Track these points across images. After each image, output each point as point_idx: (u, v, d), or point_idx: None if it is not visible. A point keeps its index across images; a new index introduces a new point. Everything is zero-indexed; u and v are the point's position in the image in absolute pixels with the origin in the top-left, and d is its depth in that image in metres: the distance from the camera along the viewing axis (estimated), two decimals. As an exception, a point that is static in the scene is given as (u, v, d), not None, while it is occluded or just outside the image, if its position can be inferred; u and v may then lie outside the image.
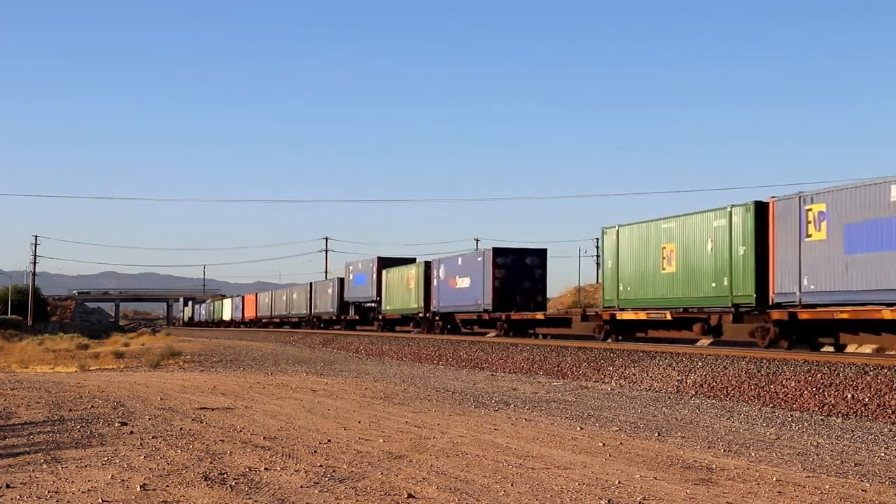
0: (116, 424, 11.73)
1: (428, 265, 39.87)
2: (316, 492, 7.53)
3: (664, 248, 23.79)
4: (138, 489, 7.57)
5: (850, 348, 22.03)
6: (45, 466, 8.60)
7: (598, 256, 73.56)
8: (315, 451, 9.59)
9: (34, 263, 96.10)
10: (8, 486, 7.66)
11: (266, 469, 8.54)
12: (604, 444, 10.37)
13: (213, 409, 13.67)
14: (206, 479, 8.00)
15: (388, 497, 7.35)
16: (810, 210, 19.27)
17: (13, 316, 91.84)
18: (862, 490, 7.86)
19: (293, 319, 66.19)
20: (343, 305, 53.37)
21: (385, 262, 46.43)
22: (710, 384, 17.20)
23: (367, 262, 48.60)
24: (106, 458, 9.07)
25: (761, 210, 20.73)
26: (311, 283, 61.23)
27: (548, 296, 38.34)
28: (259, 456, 9.27)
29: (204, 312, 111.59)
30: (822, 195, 19.10)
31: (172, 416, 12.79)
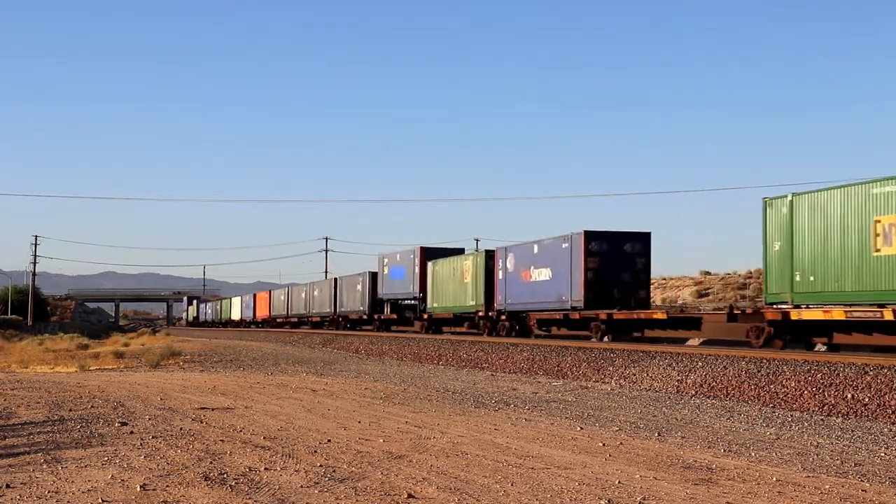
0: (116, 424, 11.73)
1: (490, 255, 34.37)
2: (316, 492, 7.53)
3: (879, 221, 17.86)
4: (138, 489, 7.57)
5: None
6: (45, 466, 8.60)
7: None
8: (315, 451, 9.59)
9: (34, 263, 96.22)
10: (8, 486, 7.66)
11: (266, 469, 8.54)
12: (604, 444, 10.37)
13: (213, 409, 13.67)
14: (206, 479, 8.00)
15: (388, 497, 7.35)
16: None
17: (13, 316, 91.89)
18: (862, 490, 7.86)
19: (314, 319, 60.26)
20: (375, 303, 47.62)
21: (430, 253, 40.85)
22: (710, 384, 17.20)
23: (407, 254, 42.87)
24: (106, 458, 9.07)
25: None
26: (335, 279, 55.73)
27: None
28: (259, 456, 9.27)
29: (210, 312, 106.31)
30: None
31: (172, 416, 12.79)
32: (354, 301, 51.16)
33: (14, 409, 13.56)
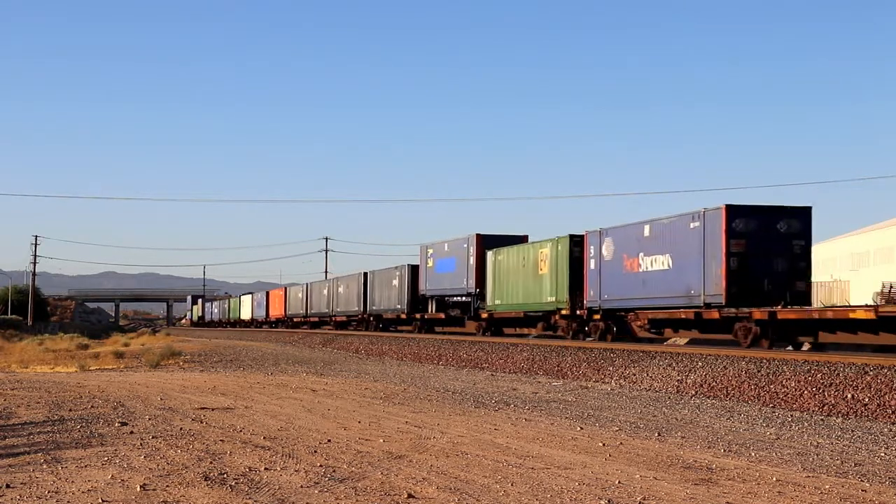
0: (116, 424, 11.74)
1: (577, 240, 27.98)
2: (316, 492, 7.54)
3: None
4: (138, 489, 7.58)
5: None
6: (45, 466, 8.60)
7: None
8: (315, 451, 9.59)
9: (34, 263, 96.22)
10: (8, 486, 7.66)
11: (266, 469, 8.54)
12: (604, 444, 10.38)
13: (213, 409, 13.67)
14: (206, 479, 8.01)
15: (388, 497, 7.35)
16: None
17: (13, 316, 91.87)
18: (862, 490, 7.86)
19: (339, 319, 53.61)
20: (416, 300, 41.38)
21: (489, 241, 34.83)
22: (710, 384, 17.20)
23: (459, 243, 36.72)
24: (106, 458, 9.07)
25: None
26: (364, 273, 48.71)
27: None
28: (259, 456, 9.28)
29: (217, 311, 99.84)
30: None
31: (172, 416, 12.79)
32: (390, 298, 44.80)
33: (14, 409, 13.56)
